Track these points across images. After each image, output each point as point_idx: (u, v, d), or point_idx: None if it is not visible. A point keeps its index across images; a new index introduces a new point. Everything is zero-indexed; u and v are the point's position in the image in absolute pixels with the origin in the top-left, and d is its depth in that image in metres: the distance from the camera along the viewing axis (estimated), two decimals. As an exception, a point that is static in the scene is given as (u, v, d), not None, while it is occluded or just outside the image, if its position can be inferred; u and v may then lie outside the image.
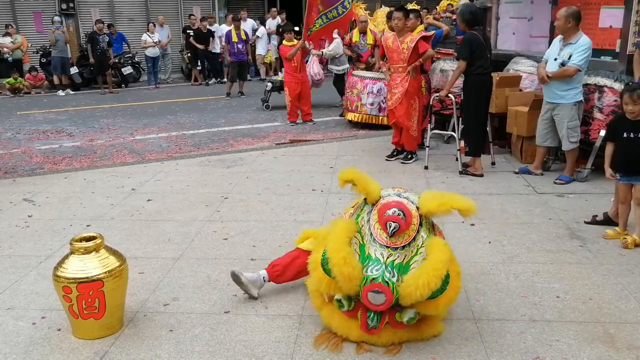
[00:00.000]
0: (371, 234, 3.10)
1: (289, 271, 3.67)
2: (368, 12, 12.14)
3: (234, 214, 5.35)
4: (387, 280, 2.93)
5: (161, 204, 5.68)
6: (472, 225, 4.89)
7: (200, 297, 3.76)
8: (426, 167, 6.77)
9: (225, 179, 6.52)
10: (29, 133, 10.22)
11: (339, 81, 11.82)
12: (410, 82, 6.84)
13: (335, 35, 12.17)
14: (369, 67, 9.84)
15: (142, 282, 3.97)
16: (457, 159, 6.64)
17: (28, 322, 3.50)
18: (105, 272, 3.18)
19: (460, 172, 6.47)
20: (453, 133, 6.75)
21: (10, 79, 15.50)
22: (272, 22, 17.27)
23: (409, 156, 7.08)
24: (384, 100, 9.31)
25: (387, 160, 7.24)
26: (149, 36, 16.10)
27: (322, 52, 11.96)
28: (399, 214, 3.01)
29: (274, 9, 18.34)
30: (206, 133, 9.79)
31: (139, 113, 12.02)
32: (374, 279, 2.94)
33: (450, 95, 6.60)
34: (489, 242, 4.54)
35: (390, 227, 3.00)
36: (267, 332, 3.30)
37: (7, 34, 16.06)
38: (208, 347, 3.17)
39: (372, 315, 3.06)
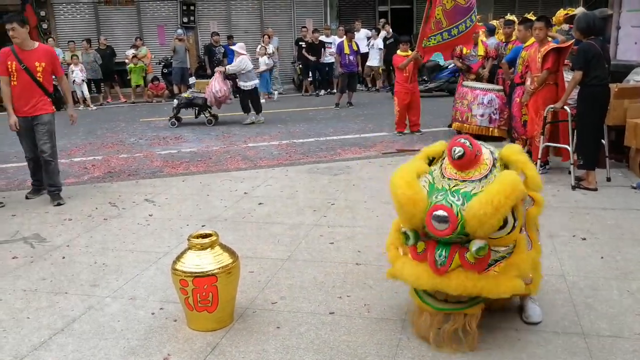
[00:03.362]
0: (441, 172, 3.06)
1: None
2: (481, 23, 11.94)
3: (340, 219, 5.45)
4: (450, 202, 2.85)
5: (271, 208, 5.89)
6: (584, 239, 4.71)
7: (307, 297, 3.87)
8: (537, 180, 6.56)
9: (333, 186, 6.65)
10: (150, 139, 10.89)
11: (246, 98, 11.98)
12: (540, 92, 6.68)
13: (242, 51, 12.12)
14: (479, 78, 9.68)
15: (252, 280, 4.15)
16: (569, 172, 6.40)
17: (148, 311, 3.75)
18: (219, 268, 3.36)
19: (573, 186, 6.22)
20: (567, 146, 6.51)
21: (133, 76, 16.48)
22: (380, 33, 17.40)
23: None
24: (494, 112, 9.12)
25: None
26: (263, 47, 16.63)
27: (226, 68, 12.03)
28: (464, 142, 2.94)
29: (382, 20, 18.48)
30: (315, 142, 10.00)
31: (252, 121, 12.46)
32: (437, 202, 2.88)
33: (565, 107, 6.37)
34: (601, 257, 4.35)
35: (454, 151, 2.93)
36: (370, 335, 3.36)
37: (133, 46, 17.18)
38: (313, 345, 3.27)
39: (440, 251, 2.94)
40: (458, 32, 8.94)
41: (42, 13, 17.79)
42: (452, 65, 15.31)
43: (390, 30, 17.12)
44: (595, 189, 6.10)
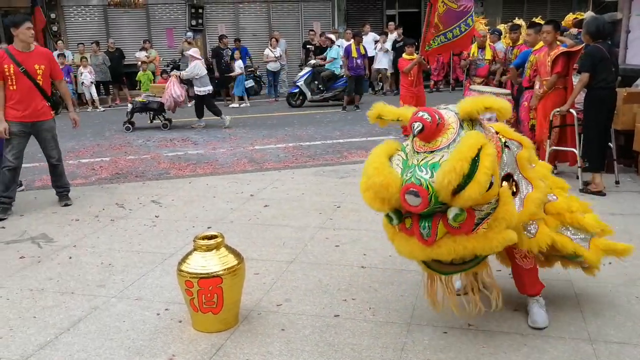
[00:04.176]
0: (412, 147, 3.01)
1: None
2: (488, 27, 11.94)
3: (346, 222, 5.45)
4: (419, 178, 2.82)
5: (277, 210, 5.90)
6: (592, 244, 4.67)
7: (312, 299, 3.87)
8: (544, 185, 6.54)
9: (339, 189, 6.65)
10: (158, 141, 10.93)
11: (200, 102, 12.08)
12: (549, 96, 6.67)
13: (197, 56, 12.18)
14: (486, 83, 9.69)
15: (257, 282, 4.15)
16: (577, 177, 6.38)
17: (153, 312, 3.77)
18: (225, 270, 3.37)
19: (581, 190, 6.20)
20: (574, 149, 6.49)
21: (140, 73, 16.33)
22: (390, 37, 17.40)
23: None
24: (502, 116, 9.09)
25: None
26: (271, 51, 16.70)
27: (180, 73, 12.04)
28: (422, 115, 2.90)
29: (391, 23, 18.49)
30: (322, 145, 10.01)
31: (259, 124, 12.49)
32: (407, 181, 2.85)
33: (572, 110, 6.36)
34: (609, 263, 4.29)
35: (413, 127, 2.90)
36: (375, 338, 3.35)
37: (143, 49, 17.25)
38: (317, 348, 3.27)
39: (423, 223, 2.91)
40: (453, 36, 8.93)
41: (52, 15, 17.92)
42: None
43: (401, 33, 17.12)
44: (604, 194, 6.08)
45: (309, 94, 15.12)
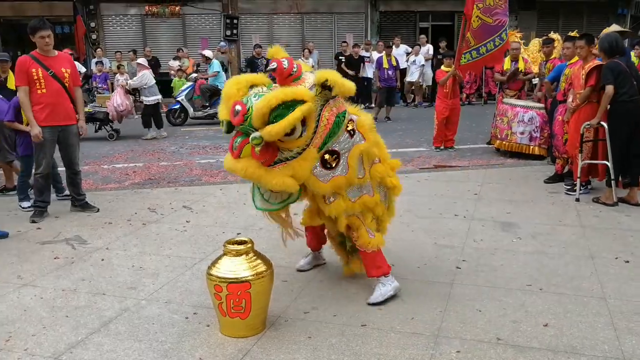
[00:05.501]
0: None
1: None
2: (523, 41, 11.84)
3: (375, 232, 5.42)
4: (247, 100, 3.40)
5: (306, 219, 5.90)
6: (627, 262, 4.59)
7: (339, 308, 3.87)
8: (577, 200, 6.46)
9: (369, 200, 6.62)
10: (191, 148, 11.07)
11: (148, 112, 12.03)
12: (582, 109, 6.59)
13: (143, 63, 12.18)
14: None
15: (285, 289, 4.17)
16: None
17: (182, 316, 3.81)
18: (253, 275, 3.40)
19: (614, 203, 6.22)
20: (606, 162, 6.38)
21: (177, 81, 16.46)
22: (423, 49, 17.36)
23: (574, 188, 6.72)
24: (535, 130, 9.01)
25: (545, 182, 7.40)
26: (303, 61, 16.79)
27: (128, 82, 11.94)
28: (283, 60, 3.49)
29: (422, 36, 18.47)
30: (352, 155, 9.97)
31: (290, 133, 12.53)
32: (238, 100, 3.42)
33: (603, 123, 6.28)
34: (645, 281, 4.24)
35: (269, 65, 3.50)
36: (402, 349, 3.34)
37: (176, 57, 17.50)
38: (343, 357, 3.27)
39: (237, 139, 3.48)
40: (487, 50, 8.90)
41: (92, 24, 18.34)
42: None
43: (445, 46, 16.98)
44: (611, 204, 6.20)
45: (191, 110, 14.20)
